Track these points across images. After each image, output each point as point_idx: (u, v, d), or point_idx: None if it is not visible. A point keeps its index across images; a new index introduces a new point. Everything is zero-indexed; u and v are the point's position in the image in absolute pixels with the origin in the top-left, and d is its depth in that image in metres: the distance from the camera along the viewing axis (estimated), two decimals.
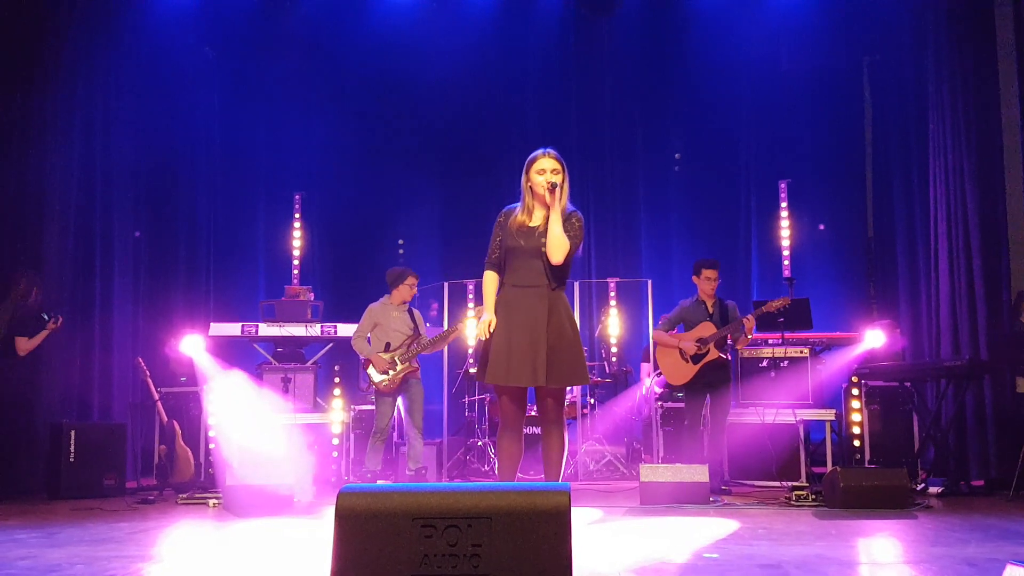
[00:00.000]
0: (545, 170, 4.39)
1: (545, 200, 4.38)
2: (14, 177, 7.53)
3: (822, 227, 10.22)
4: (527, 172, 4.45)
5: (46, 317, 7.11)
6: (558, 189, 4.33)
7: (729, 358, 7.14)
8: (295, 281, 9.62)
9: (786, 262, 9.37)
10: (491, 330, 4.41)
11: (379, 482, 7.14)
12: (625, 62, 10.51)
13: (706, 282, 7.13)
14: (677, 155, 10.75)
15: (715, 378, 6.98)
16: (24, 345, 7.07)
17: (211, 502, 6.34)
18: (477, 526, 2.71)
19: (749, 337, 7.02)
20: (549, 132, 10.53)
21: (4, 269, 7.35)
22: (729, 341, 7.14)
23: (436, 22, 10.18)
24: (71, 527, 5.18)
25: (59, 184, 7.82)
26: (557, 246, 4.30)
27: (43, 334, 7.13)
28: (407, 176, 10.67)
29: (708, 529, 4.95)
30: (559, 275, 4.40)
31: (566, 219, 4.36)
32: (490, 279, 4.55)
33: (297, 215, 9.91)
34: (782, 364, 7.45)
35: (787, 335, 7.53)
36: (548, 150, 4.44)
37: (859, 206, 9.94)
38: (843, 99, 9.99)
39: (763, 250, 10.11)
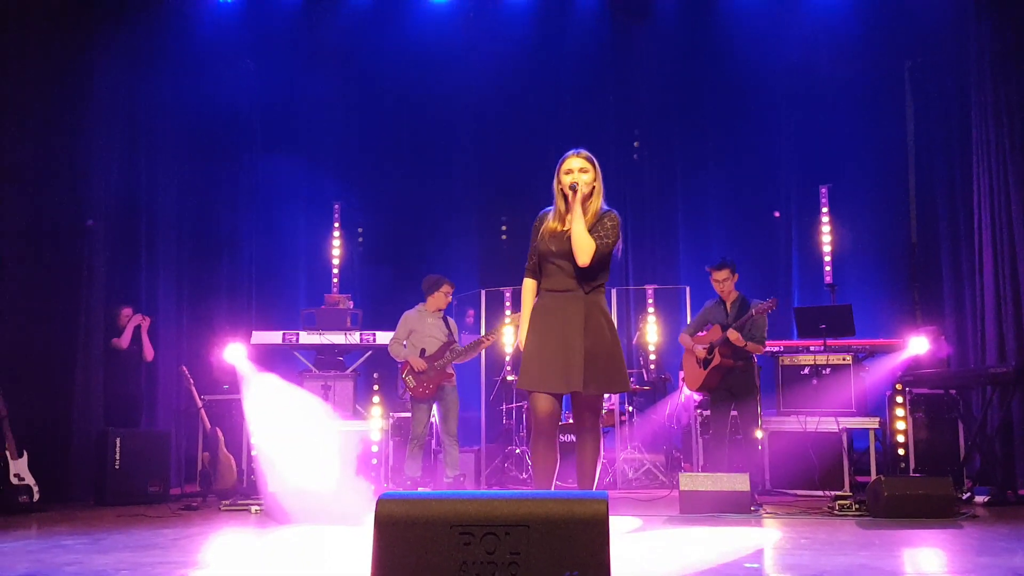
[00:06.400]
0: (572, 170, 4.24)
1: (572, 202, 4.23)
2: (58, 189, 7.67)
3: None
4: (557, 175, 4.31)
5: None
6: (579, 191, 4.18)
7: (755, 362, 6.94)
8: (335, 290, 9.72)
9: (828, 268, 9.27)
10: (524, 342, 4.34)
11: (418, 489, 7.17)
12: (662, 69, 10.48)
13: (715, 284, 7.04)
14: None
15: (736, 385, 6.82)
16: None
17: (253, 508, 6.41)
18: (515, 534, 2.71)
19: (762, 348, 6.86)
20: (585, 139, 10.42)
21: (48, 278, 7.49)
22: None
23: (472, 32, 10.25)
24: (116, 533, 5.25)
25: (102, 194, 7.95)
26: (581, 247, 4.14)
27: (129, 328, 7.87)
28: (444, 184, 10.75)
29: (749, 539, 4.90)
30: (592, 278, 4.23)
31: (598, 219, 4.24)
32: (527, 287, 4.42)
33: (336, 224, 10.01)
34: (824, 371, 7.37)
35: (829, 342, 7.45)
36: (579, 150, 4.30)
37: (902, 211, 9.80)
38: (885, 103, 9.86)
39: (804, 256, 10.01)
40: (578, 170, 4.26)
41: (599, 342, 4.21)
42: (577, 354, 4.15)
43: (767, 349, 7.60)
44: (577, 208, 4.19)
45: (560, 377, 4.17)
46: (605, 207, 4.31)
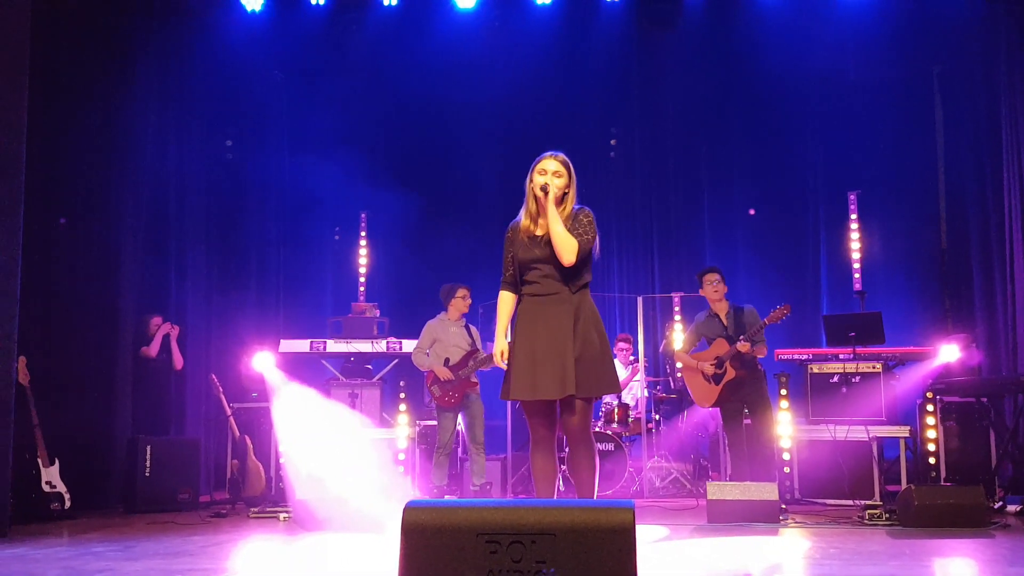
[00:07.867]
0: (546, 171, 4.19)
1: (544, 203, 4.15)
2: (87, 200, 7.78)
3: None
4: (530, 175, 4.24)
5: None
6: (551, 193, 4.12)
7: (762, 369, 6.83)
8: (361, 298, 9.76)
9: (857, 275, 9.18)
10: (505, 355, 4.25)
11: (445, 497, 7.17)
12: (689, 77, 10.42)
13: (709, 288, 6.91)
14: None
15: (747, 394, 6.73)
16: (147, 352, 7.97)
17: (281, 516, 6.45)
18: (542, 542, 2.71)
19: (765, 350, 6.76)
20: (611, 148, 10.53)
21: (80, 288, 7.59)
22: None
23: (497, 41, 10.25)
24: (147, 540, 5.31)
25: (132, 205, 8.05)
26: (564, 247, 4.06)
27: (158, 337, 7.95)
28: (469, 192, 10.75)
29: (778, 548, 4.87)
30: (576, 278, 4.15)
31: (573, 217, 4.16)
32: (504, 300, 4.35)
33: (363, 233, 10.06)
34: (854, 380, 7.30)
35: (859, 350, 7.37)
36: (555, 152, 4.26)
37: (932, 217, 9.68)
38: (913, 108, 9.75)
39: (833, 263, 9.91)
40: (552, 173, 4.20)
41: (588, 345, 4.10)
42: (569, 358, 4.05)
43: (796, 357, 7.56)
44: (551, 209, 4.12)
45: (556, 383, 4.05)
46: (577, 205, 4.24)
